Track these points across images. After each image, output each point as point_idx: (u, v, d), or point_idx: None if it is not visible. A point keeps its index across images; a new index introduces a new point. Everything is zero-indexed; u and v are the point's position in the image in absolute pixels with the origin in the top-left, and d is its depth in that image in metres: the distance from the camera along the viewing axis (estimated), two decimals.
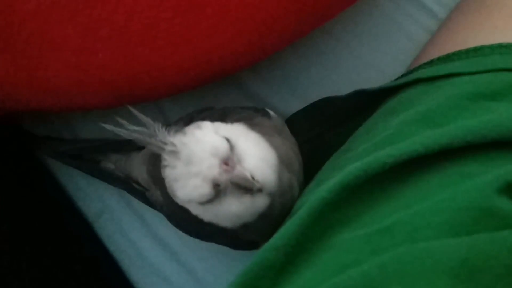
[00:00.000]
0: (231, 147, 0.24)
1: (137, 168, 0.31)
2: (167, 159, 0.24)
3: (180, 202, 0.25)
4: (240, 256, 0.34)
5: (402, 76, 0.31)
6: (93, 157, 0.34)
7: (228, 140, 0.24)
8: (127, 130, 0.23)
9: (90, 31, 0.27)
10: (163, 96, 0.33)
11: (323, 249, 0.20)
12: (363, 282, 0.17)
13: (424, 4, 0.36)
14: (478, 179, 0.19)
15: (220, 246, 0.31)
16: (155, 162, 0.29)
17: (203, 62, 0.29)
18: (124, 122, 0.23)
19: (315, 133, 0.31)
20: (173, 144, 0.23)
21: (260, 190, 0.24)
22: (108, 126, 0.24)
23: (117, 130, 0.23)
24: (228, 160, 0.24)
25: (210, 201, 0.24)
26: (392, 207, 0.20)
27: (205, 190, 0.23)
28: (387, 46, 0.36)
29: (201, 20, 0.27)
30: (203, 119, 0.26)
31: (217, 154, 0.23)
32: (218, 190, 0.23)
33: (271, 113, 0.29)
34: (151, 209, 0.33)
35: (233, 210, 0.24)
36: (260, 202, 0.25)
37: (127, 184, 0.32)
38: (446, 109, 0.23)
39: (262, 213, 0.25)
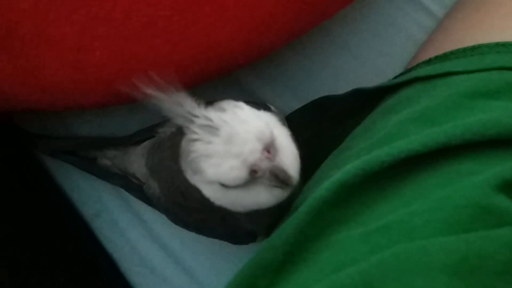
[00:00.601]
0: (272, 135, 0.23)
1: (136, 161, 0.31)
2: (199, 132, 0.22)
3: (204, 180, 0.23)
4: (239, 255, 0.34)
5: (400, 75, 0.31)
6: (90, 154, 0.34)
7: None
8: (154, 95, 0.22)
9: (88, 30, 0.27)
10: None
11: (321, 248, 0.20)
12: (361, 280, 0.17)
13: (422, 3, 0.36)
14: (476, 177, 0.19)
15: (218, 244, 0.31)
16: (155, 153, 0.29)
17: (201, 60, 0.29)
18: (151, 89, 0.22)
19: (313, 132, 0.31)
20: (209, 119, 0.22)
21: (291, 185, 0.23)
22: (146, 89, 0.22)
23: (144, 93, 0.22)
24: (270, 148, 0.23)
25: (239, 186, 0.23)
26: (390, 206, 0.20)
27: (242, 173, 0.22)
28: (385, 45, 0.36)
29: (199, 18, 0.27)
30: None
31: (262, 139, 0.22)
32: (254, 177, 0.22)
33: (272, 107, 0.29)
34: (149, 208, 0.33)
35: (260, 200, 0.24)
36: (284, 196, 0.24)
37: (124, 180, 0.32)
38: (444, 107, 0.23)
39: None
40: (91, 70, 0.28)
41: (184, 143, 0.24)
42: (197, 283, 0.36)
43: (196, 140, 0.23)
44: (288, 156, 0.24)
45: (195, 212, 0.28)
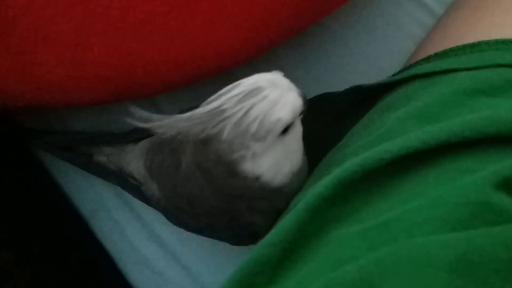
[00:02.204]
0: None
1: (133, 161, 0.30)
2: (243, 106, 0.23)
3: (275, 134, 0.24)
4: (238, 254, 0.34)
5: (399, 72, 0.31)
6: (86, 150, 0.34)
7: None
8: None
9: (85, 26, 0.26)
10: (158, 92, 0.32)
11: (320, 245, 0.20)
12: (359, 278, 0.17)
13: (421, 0, 0.36)
14: (475, 175, 0.19)
15: (218, 242, 0.31)
16: (154, 155, 0.29)
17: (199, 57, 0.29)
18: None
19: (312, 129, 0.31)
20: (246, 89, 0.23)
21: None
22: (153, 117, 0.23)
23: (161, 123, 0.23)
24: None
25: (292, 123, 0.24)
26: (389, 203, 0.20)
27: (301, 100, 0.24)
28: (384, 42, 0.36)
29: (197, 15, 0.27)
30: None
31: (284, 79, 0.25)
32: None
33: None
34: (148, 206, 0.33)
35: (300, 132, 0.25)
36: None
37: (121, 178, 0.32)
38: (443, 104, 0.23)
39: (297, 170, 0.26)
40: (88, 67, 0.28)
41: (226, 135, 0.24)
42: (197, 282, 0.36)
43: (254, 104, 0.23)
44: None
45: (203, 216, 0.28)
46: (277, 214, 0.26)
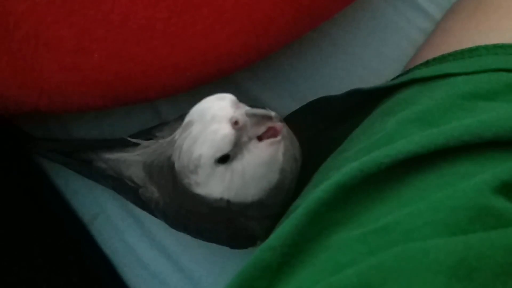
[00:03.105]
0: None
1: (132, 165, 0.30)
2: (182, 131, 0.24)
3: (207, 168, 0.24)
4: (237, 257, 0.34)
5: (398, 76, 0.31)
6: (86, 157, 0.34)
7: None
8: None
9: (86, 32, 0.27)
10: (159, 97, 0.32)
11: (320, 250, 0.20)
12: (359, 282, 0.17)
13: (420, 5, 0.36)
14: (474, 179, 0.19)
15: (217, 247, 0.31)
16: (154, 160, 0.29)
17: (199, 62, 0.29)
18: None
19: (311, 134, 0.31)
20: (181, 123, 0.24)
21: (280, 121, 0.24)
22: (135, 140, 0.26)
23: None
24: (238, 103, 0.24)
25: (234, 151, 0.23)
26: (389, 207, 0.20)
27: (225, 129, 0.23)
28: (383, 47, 0.36)
29: (197, 20, 0.27)
30: None
31: (224, 97, 0.24)
32: (239, 129, 0.23)
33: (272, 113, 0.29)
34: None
35: (260, 158, 0.24)
36: (279, 154, 0.25)
37: (117, 182, 0.32)
38: (442, 109, 0.23)
39: (275, 185, 0.25)
40: (89, 72, 0.28)
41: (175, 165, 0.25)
42: (197, 286, 0.35)
43: (183, 138, 0.24)
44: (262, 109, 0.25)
45: (201, 221, 0.28)
46: (275, 218, 0.26)
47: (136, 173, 0.30)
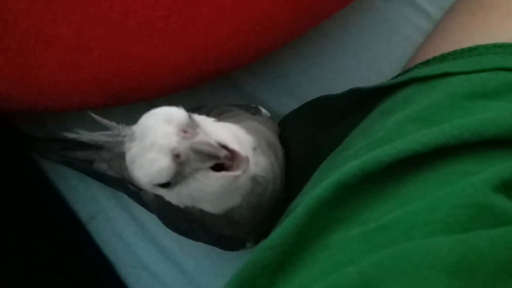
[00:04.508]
0: (190, 117, 0.21)
1: None
2: (127, 140, 0.22)
3: (147, 188, 0.22)
4: (237, 257, 0.34)
5: (398, 75, 0.31)
6: (86, 156, 0.33)
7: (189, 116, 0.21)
8: (91, 136, 0.22)
9: (85, 30, 0.27)
10: (158, 96, 0.32)
11: (320, 248, 0.20)
12: (359, 280, 0.17)
13: (419, 5, 0.36)
14: (474, 177, 0.19)
15: (215, 247, 0.31)
16: None
17: (198, 61, 0.29)
18: (84, 132, 0.22)
19: (310, 133, 0.31)
20: (131, 131, 0.21)
21: (228, 158, 0.20)
22: (71, 135, 0.23)
23: (82, 136, 0.22)
24: (187, 129, 0.21)
25: (176, 180, 0.21)
26: (389, 206, 0.20)
27: (163, 162, 0.20)
28: (382, 46, 0.36)
29: (197, 19, 0.27)
30: None
31: (172, 120, 0.20)
32: (180, 163, 0.20)
33: (263, 110, 0.29)
34: (146, 210, 0.33)
35: (210, 188, 0.21)
36: (242, 180, 0.22)
37: (121, 184, 0.32)
38: (442, 108, 0.23)
39: (249, 199, 0.24)
40: (88, 70, 0.28)
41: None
42: (195, 285, 0.35)
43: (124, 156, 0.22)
44: (224, 135, 0.21)
45: (181, 222, 0.28)
46: (262, 222, 0.26)
47: None
